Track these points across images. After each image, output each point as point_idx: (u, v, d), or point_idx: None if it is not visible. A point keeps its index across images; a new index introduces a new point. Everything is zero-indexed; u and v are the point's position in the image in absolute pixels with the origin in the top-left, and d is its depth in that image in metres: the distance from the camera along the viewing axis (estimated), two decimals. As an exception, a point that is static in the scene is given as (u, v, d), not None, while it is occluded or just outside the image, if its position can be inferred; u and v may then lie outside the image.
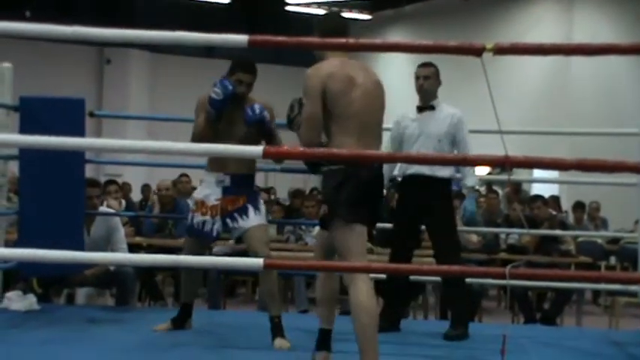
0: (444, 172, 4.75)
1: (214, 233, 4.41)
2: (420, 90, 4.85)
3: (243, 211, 4.35)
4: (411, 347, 4.42)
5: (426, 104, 4.85)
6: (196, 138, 4.29)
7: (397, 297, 4.99)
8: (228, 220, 4.37)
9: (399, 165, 4.93)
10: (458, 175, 5.13)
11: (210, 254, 6.22)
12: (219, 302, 6.97)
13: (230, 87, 4.20)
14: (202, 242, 4.57)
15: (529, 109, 13.00)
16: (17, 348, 3.98)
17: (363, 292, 3.32)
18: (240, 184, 4.39)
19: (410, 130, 4.84)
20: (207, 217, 4.36)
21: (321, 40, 2.92)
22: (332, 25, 3.62)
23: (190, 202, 4.59)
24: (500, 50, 2.86)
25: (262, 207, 4.45)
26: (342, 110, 3.42)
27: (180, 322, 4.60)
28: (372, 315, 3.33)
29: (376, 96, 3.54)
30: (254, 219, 4.35)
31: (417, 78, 4.85)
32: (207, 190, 4.40)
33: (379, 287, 6.50)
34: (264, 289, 4.48)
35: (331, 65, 3.45)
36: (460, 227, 5.64)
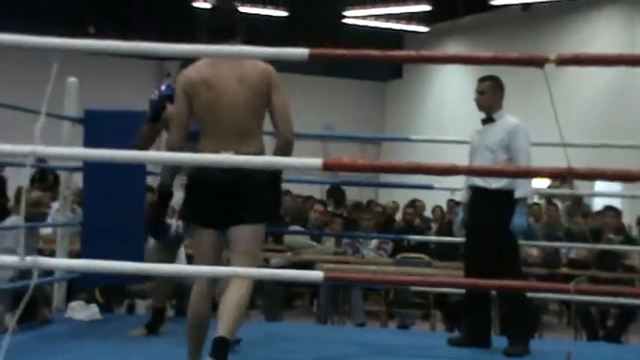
0: (497, 183, 4.68)
1: (173, 232, 4.45)
2: (477, 104, 4.87)
3: None
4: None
5: (488, 117, 4.83)
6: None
7: (478, 311, 4.81)
8: None
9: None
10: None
11: (268, 266, 6.21)
12: (276, 314, 6.98)
13: (163, 88, 4.38)
14: (170, 246, 4.64)
15: (591, 120, 12.74)
16: (80, 358, 4.05)
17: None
18: None
19: (474, 143, 4.86)
20: (173, 221, 4.43)
21: (381, 54, 2.90)
22: (220, 20, 3.48)
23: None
24: (563, 61, 2.80)
25: None
26: (199, 113, 3.39)
27: (154, 327, 4.74)
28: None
29: (234, 93, 3.35)
30: None
31: (476, 93, 4.87)
32: (181, 193, 4.20)
33: (445, 304, 6.48)
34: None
35: (193, 68, 3.42)
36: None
